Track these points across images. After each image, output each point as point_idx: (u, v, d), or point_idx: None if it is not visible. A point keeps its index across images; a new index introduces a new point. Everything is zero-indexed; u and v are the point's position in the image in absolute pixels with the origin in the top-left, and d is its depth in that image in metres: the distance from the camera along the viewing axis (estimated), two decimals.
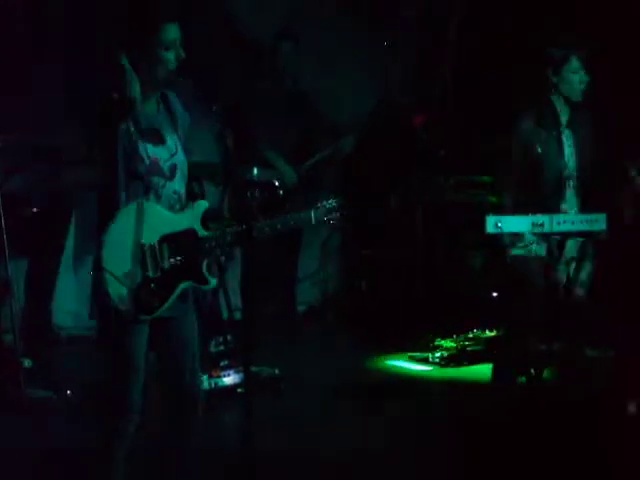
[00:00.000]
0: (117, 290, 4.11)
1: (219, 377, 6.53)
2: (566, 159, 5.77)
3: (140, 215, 4.16)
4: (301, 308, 8.58)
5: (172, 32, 4.23)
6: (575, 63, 5.73)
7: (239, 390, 6.45)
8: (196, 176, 4.81)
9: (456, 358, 7.49)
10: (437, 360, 7.51)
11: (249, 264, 7.00)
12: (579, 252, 5.73)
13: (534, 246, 5.67)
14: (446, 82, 9.27)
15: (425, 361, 7.56)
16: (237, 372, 6.54)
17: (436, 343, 7.72)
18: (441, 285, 8.32)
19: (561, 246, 5.67)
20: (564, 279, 5.70)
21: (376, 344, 7.81)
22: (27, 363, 6.64)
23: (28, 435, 5.76)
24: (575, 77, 5.73)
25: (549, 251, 5.62)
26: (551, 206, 5.62)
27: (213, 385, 6.48)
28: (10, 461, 5.33)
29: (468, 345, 7.62)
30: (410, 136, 8.88)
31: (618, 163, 7.23)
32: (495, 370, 5.99)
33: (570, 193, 5.76)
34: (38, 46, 7.20)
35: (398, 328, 7.95)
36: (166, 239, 4.21)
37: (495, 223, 5.30)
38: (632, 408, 5.79)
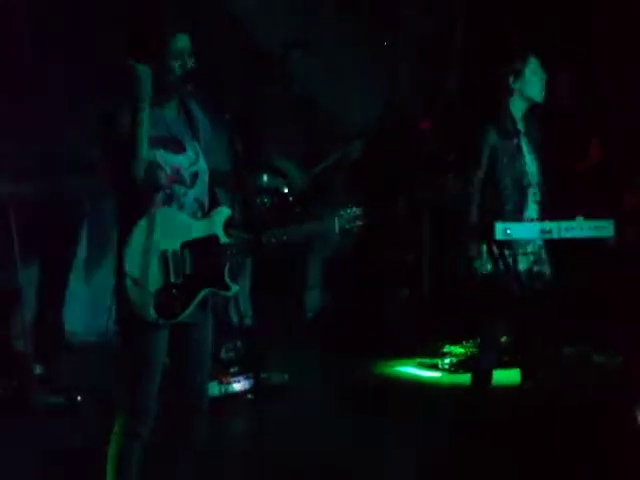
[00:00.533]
0: (139, 295, 4.15)
1: (229, 383, 6.56)
2: (527, 167, 5.77)
3: (152, 222, 4.18)
4: (309, 314, 8.59)
5: (181, 41, 4.27)
6: (534, 63, 5.76)
7: (249, 396, 6.47)
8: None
9: (465, 364, 7.50)
10: (446, 366, 7.53)
11: (259, 271, 7.06)
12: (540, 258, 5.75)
13: (489, 265, 5.66)
14: (454, 84, 9.29)
15: (434, 367, 7.58)
16: (247, 378, 6.57)
17: (445, 349, 7.74)
18: (450, 290, 8.33)
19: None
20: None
21: (385, 350, 7.82)
22: (38, 369, 6.67)
23: (39, 439, 5.79)
24: (535, 77, 5.75)
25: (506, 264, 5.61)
26: (515, 214, 5.64)
27: (223, 391, 6.50)
28: (22, 465, 5.36)
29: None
30: (418, 139, 8.90)
31: (622, 170, 7.26)
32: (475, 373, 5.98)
33: (531, 200, 5.77)
34: (48, 51, 7.22)
35: (407, 334, 7.96)
36: (188, 245, 4.25)
37: (504, 230, 5.30)
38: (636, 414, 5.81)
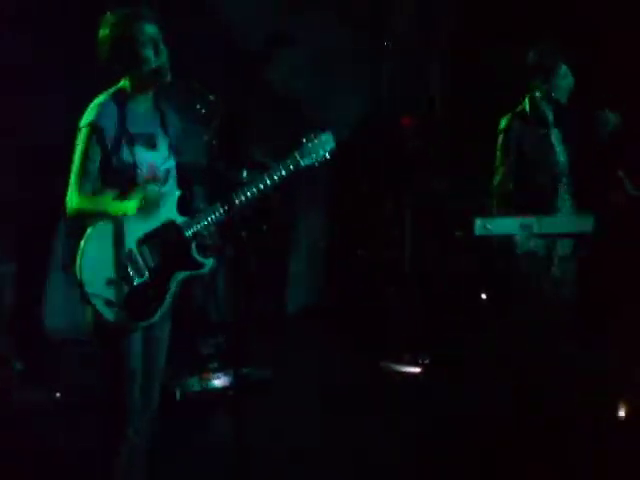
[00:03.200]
0: (104, 306, 4.16)
1: (209, 379, 6.55)
2: (557, 157, 5.77)
3: (119, 227, 4.20)
4: (291, 310, 8.57)
5: (149, 29, 4.28)
6: (564, 69, 5.76)
7: (229, 392, 6.45)
8: (184, 177, 4.85)
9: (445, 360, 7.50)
10: (427, 362, 7.52)
11: (239, 267, 7.05)
12: (566, 251, 5.73)
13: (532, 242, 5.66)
14: (439, 85, 9.28)
15: (414, 363, 7.57)
16: (227, 374, 6.55)
17: (426, 345, 7.72)
18: (432, 287, 8.32)
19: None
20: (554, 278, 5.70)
21: (366, 345, 7.81)
22: (18, 366, 6.64)
23: (19, 436, 5.75)
24: (564, 82, 5.76)
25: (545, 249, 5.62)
26: (547, 205, 5.63)
27: (203, 387, 6.49)
28: (7, 463, 5.33)
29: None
30: (402, 139, 8.89)
31: (608, 165, 7.25)
32: None
33: (563, 191, 5.76)
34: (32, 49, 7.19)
35: (388, 330, 7.95)
36: (144, 240, 4.24)
37: (484, 225, 5.30)
38: (623, 412, 5.82)
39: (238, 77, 8.02)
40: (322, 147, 4.46)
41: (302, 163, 4.43)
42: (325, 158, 4.47)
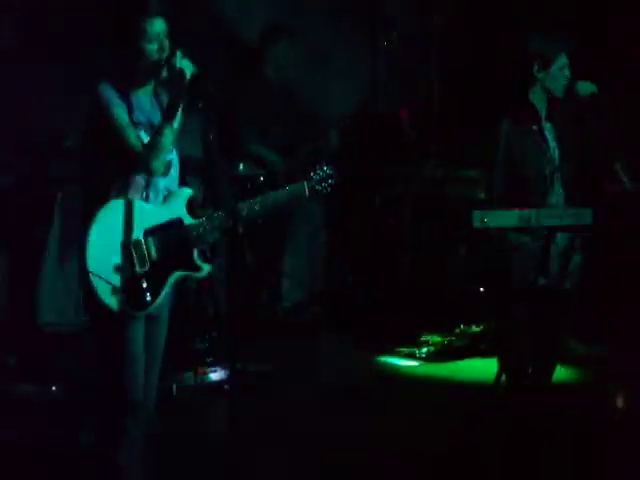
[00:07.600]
0: (106, 291, 4.13)
1: (205, 374, 6.54)
2: (551, 152, 5.73)
3: (130, 213, 4.18)
4: (286, 304, 8.55)
5: (157, 25, 4.25)
6: (563, 60, 5.70)
7: (225, 386, 6.43)
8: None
9: (442, 353, 7.49)
10: (424, 355, 7.51)
11: (235, 260, 7.01)
12: (568, 245, 5.68)
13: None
14: (433, 75, 9.27)
15: (412, 356, 7.56)
16: (223, 368, 6.54)
17: (423, 338, 7.72)
18: (428, 280, 8.31)
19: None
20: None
21: (362, 340, 7.80)
22: (12, 359, 6.62)
23: (12, 430, 5.72)
24: (561, 74, 5.70)
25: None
26: (538, 202, 5.59)
27: (199, 382, 6.47)
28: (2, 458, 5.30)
29: (455, 340, 7.62)
30: (396, 130, 8.87)
31: (603, 157, 7.23)
32: None
33: (558, 186, 5.72)
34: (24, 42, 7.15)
35: (385, 323, 7.94)
36: (151, 232, 4.24)
37: (481, 218, 5.27)
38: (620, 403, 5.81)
39: (234, 68, 7.99)
40: (326, 181, 4.72)
41: (307, 194, 4.67)
42: (327, 191, 4.74)
